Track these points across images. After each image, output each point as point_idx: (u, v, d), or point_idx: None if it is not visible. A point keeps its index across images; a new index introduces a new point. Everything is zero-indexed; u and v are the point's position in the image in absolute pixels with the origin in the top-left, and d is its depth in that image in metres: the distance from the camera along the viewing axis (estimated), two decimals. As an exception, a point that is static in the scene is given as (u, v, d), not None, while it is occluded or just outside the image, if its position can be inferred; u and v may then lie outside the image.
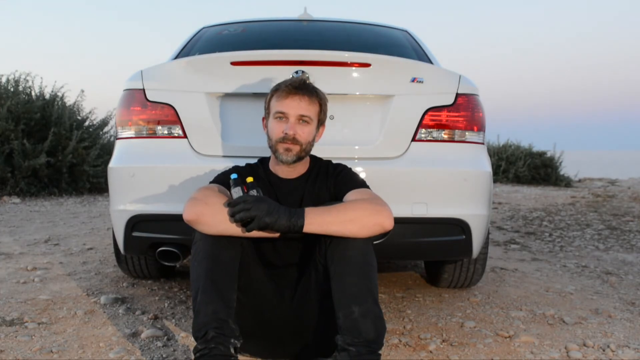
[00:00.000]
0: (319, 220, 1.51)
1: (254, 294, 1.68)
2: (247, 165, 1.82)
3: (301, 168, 1.78)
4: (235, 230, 1.52)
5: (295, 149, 1.69)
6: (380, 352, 1.52)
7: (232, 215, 1.49)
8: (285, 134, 1.67)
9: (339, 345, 1.50)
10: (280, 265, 1.74)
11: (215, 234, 1.55)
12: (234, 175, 1.60)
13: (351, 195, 1.66)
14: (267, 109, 1.76)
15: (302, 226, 1.50)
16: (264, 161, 1.84)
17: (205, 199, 1.56)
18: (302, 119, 1.69)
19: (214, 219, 1.53)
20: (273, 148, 1.72)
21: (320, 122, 1.77)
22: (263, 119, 1.82)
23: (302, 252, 1.72)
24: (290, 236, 1.57)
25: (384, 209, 1.56)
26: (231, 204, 1.51)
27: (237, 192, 1.56)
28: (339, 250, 1.54)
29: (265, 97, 1.77)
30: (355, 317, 1.49)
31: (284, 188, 1.74)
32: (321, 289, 1.62)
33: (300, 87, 1.69)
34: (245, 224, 1.49)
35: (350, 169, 1.80)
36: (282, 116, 1.69)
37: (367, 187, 1.73)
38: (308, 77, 1.83)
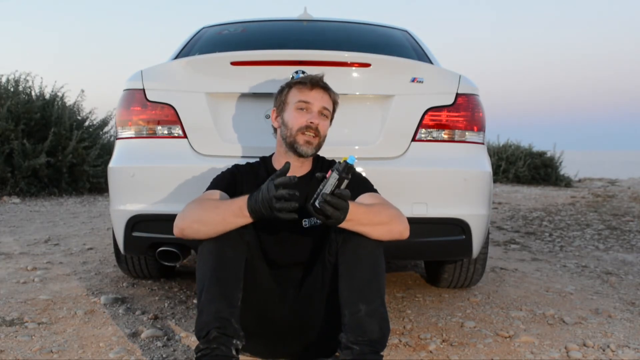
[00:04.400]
0: (357, 219, 1.48)
1: (257, 293, 1.67)
2: (248, 164, 1.82)
3: (307, 166, 1.78)
4: (222, 228, 1.51)
5: (316, 141, 1.71)
6: (382, 353, 1.52)
7: (311, 205, 1.41)
8: (311, 122, 1.69)
9: (342, 343, 1.50)
10: (284, 264, 1.74)
11: (206, 238, 1.54)
12: (351, 159, 1.41)
13: (364, 199, 1.67)
14: (284, 102, 1.75)
15: (342, 221, 1.45)
16: (265, 160, 1.84)
17: (183, 214, 1.56)
18: (323, 112, 1.73)
19: (193, 231, 1.54)
20: (291, 139, 1.71)
21: (331, 121, 1.81)
22: (273, 111, 1.81)
23: (310, 250, 1.72)
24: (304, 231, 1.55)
25: (404, 218, 1.60)
26: (321, 195, 1.39)
27: (334, 182, 1.41)
28: (351, 248, 1.54)
29: (280, 91, 1.78)
30: (361, 315, 1.49)
31: None
32: (327, 287, 1.62)
33: (322, 83, 1.75)
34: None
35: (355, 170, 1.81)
36: (305, 107, 1.71)
37: (378, 192, 1.74)
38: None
